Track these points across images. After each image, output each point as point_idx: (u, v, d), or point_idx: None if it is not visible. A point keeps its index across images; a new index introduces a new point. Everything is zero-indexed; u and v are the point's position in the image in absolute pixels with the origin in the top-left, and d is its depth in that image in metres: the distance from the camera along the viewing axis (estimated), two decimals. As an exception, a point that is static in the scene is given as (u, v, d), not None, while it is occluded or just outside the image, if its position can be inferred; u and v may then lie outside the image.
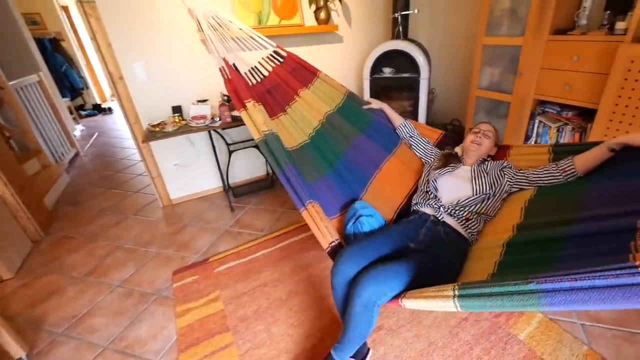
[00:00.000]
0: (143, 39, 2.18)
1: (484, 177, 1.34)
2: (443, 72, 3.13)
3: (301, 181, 1.36)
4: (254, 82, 1.71)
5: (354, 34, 2.88)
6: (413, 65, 2.53)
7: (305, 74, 1.76)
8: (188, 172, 2.66)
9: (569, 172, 1.19)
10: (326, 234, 1.24)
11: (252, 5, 2.34)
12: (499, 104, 2.25)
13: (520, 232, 1.11)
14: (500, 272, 0.99)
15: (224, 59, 1.59)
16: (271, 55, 1.75)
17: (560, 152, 1.32)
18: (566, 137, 2.01)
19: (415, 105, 2.64)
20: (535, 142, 2.19)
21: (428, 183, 1.43)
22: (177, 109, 2.33)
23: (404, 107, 2.86)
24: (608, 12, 1.70)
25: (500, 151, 1.53)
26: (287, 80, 1.73)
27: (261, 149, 1.40)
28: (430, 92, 3.00)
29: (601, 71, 1.71)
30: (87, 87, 6.28)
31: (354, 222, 1.35)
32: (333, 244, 1.24)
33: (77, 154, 4.01)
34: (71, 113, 5.13)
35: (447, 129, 3.06)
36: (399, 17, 2.50)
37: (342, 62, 2.93)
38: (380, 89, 2.80)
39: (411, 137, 1.69)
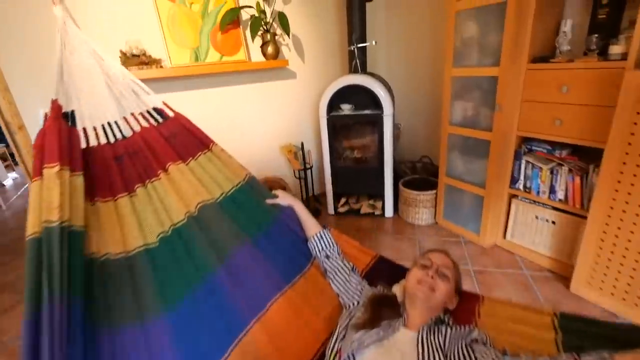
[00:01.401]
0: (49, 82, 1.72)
1: (438, 354, 0.77)
2: (408, 105, 2.86)
3: (89, 334, 0.77)
4: (99, 143, 1.19)
5: (308, 69, 2.56)
6: (374, 101, 2.20)
7: (191, 143, 1.28)
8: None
9: None
10: None
11: (187, 41, 1.97)
12: (477, 142, 1.91)
13: None
14: None
15: (53, 101, 1.11)
16: (148, 112, 1.31)
17: (574, 331, 0.83)
18: (562, 181, 1.66)
19: (380, 144, 2.27)
20: (525, 186, 1.83)
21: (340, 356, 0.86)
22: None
23: (367, 146, 2.50)
24: (596, 35, 1.42)
25: (465, 304, 0.98)
26: (155, 147, 1.22)
27: (27, 253, 0.74)
28: (396, 127, 2.68)
29: (599, 103, 1.40)
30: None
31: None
32: None
33: (-1, 207, 3.48)
34: (5, 160, 4.69)
35: (416, 166, 2.71)
36: (356, 49, 2.21)
37: (297, 99, 2.58)
38: (339, 128, 2.44)
39: (327, 257, 1.17)
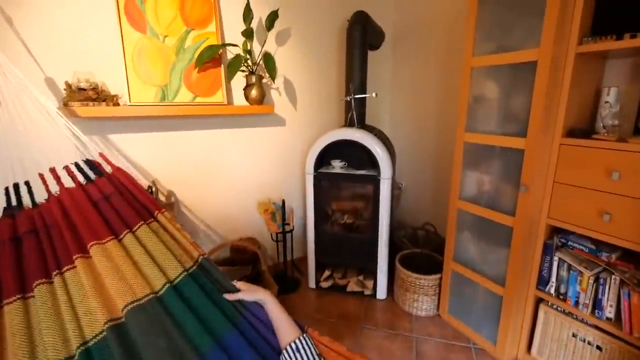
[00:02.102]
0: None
1: None
2: (412, 164, 2.51)
3: None
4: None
5: (300, 117, 2.27)
6: (371, 160, 1.85)
7: (129, 209, 0.97)
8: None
9: None
10: None
11: (154, 77, 1.70)
12: (494, 226, 1.50)
13: None
14: None
15: None
16: (77, 165, 1.03)
17: None
18: (613, 295, 1.22)
19: (375, 211, 1.88)
20: (557, 291, 1.39)
21: None
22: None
23: (360, 211, 2.11)
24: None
25: None
26: (77, 218, 0.91)
27: None
28: (397, 187, 2.31)
29: (669, 200, 1.01)
30: None
31: None
32: None
33: None
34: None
35: (417, 235, 2.30)
36: (353, 100, 1.91)
37: (283, 149, 2.26)
38: (328, 188, 2.08)
39: None
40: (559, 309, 1.41)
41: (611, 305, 1.24)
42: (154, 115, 1.74)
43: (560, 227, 1.33)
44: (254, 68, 1.89)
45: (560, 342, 1.43)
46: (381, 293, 2.02)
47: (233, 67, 1.75)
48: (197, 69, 1.78)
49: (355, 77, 1.92)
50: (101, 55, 1.59)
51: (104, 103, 1.53)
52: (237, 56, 1.78)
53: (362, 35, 1.88)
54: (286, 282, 2.11)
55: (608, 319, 1.25)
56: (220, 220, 2.10)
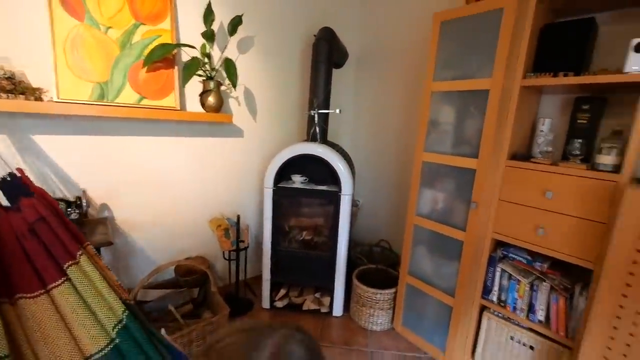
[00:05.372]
0: None
1: None
2: (369, 181, 2.60)
3: None
4: None
5: (260, 129, 2.19)
6: (332, 176, 1.87)
7: (47, 255, 0.77)
8: None
9: None
10: None
11: (90, 72, 1.47)
12: (447, 240, 1.62)
13: None
14: None
15: None
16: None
17: None
18: (544, 300, 1.40)
19: (334, 228, 1.88)
20: (499, 298, 1.55)
21: None
22: None
23: (319, 228, 2.09)
24: (579, 140, 1.29)
25: None
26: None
27: None
28: (354, 204, 2.36)
29: (588, 216, 1.22)
30: None
31: None
32: None
33: None
34: None
35: (373, 252, 2.36)
36: (316, 115, 1.92)
37: (241, 162, 2.14)
38: (287, 204, 2.02)
39: None
40: (500, 315, 1.57)
41: (542, 309, 1.42)
42: (89, 116, 1.49)
43: (503, 241, 1.50)
44: (213, 73, 1.77)
45: (500, 345, 1.58)
46: (338, 310, 2.00)
47: (190, 69, 1.61)
48: (145, 68, 1.59)
49: (320, 92, 1.93)
50: (23, 39, 1.32)
51: (22, 96, 1.26)
52: (195, 59, 1.64)
53: (329, 51, 1.92)
54: (238, 303, 1.96)
55: (540, 321, 1.43)
56: (165, 238, 1.87)
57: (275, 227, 1.92)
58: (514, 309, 1.50)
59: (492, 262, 1.55)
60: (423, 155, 1.66)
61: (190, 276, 1.79)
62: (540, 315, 1.43)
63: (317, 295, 2.05)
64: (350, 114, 2.67)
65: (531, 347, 1.48)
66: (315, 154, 1.84)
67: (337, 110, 1.94)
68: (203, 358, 0.45)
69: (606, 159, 1.19)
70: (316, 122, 1.93)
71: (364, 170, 2.58)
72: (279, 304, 2.01)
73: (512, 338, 1.54)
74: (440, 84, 1.55)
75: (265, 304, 2.02)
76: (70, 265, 0.77)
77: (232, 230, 1.90)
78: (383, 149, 2.49)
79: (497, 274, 1.54)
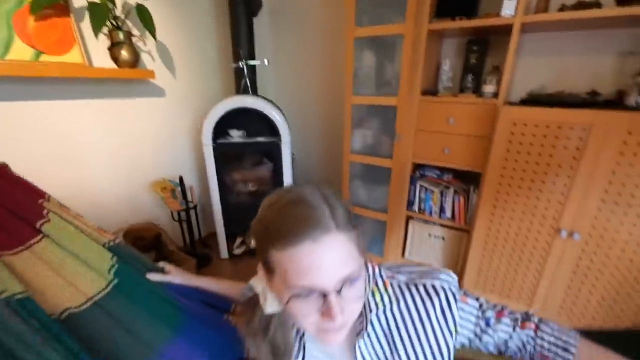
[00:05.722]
0: None
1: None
2: (299, 133, 2.70)
3: None
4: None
5: (182, 86, 2.05)
6: (270, 127, 1.94)
7: (15, 217, 0.73)
8: None
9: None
10: None
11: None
12: (376, 170, 1.93)
13: None
14: None
15: None
16: None
17: None
18: (450, 201, 1.85)
19: (279, 175, 2.03)
20: (419, 207, 1.96)
21: None
22: None
23: (263, 178, 2.20)
24: (471, 75, 1.63)
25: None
26: None
27: None
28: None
29: (479, 134, 1.61)
30: None
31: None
32: None
33: None
34: None
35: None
36: (245, 67, 1.89)
37: (167, 122, 2.01)
38: (229, 159, 2.05)
39: None
40: (420, 220, 2.01)
41: (449, 209, 1.88)
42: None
43: (420, 163, 1.87)
44: (120, 23, 1.56)
45: (422, 242, 2.05)
46: (291, 246, 2.24)
47: (99, 17, 1.40)
48: (33, 17, 1.33)
49: (243, 42, 1.89)
50: None
51: None
52: (100, 5, 1.42)
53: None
54: (197, 258, 2.01)
55: (448, 218, 1.90)
56: (97, 210, 1.74)
57: (220, 182, 1.96)
58: (430, 213, 1.93)
59: (413, 181, 1.93)
60: (352, 99, 1.85)
61: (141, 242, 1.76)
62: (448, 213, 1.89)
63: (271, 237, 2.24)
64: (271, 66, 2.63)
65: (443, 238, 1.97)
66: (251, 106, 1.86)
67: (265, 61, 1.95)
68: (258, 233, 0.49)
69: (489, 88, 1.56)
70: (245, 73, 1.91)
71: (292, 122, 2.65)
72: (238, 252, 2.14)
73: (429, 235, 2.01)
74: (363, 29, 1.70)
75: (224, 254, 2.12)
76: (43, 224, 0.75)
77: (178, 191, 1.87)
78: (310, 99, 2.56)
79: (417, 190, 1.93)
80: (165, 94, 1.96)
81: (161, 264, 0.91)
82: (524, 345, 0.53)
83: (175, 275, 0.88)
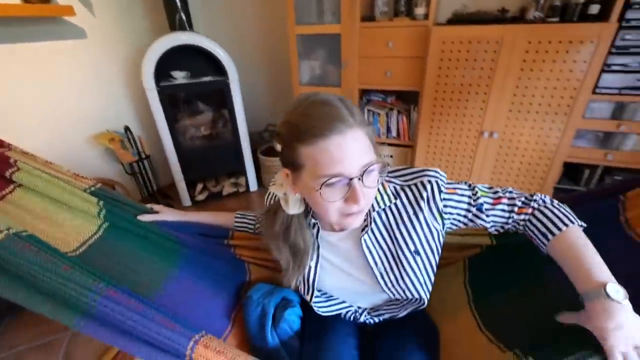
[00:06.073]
0: None
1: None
2: (241, 72, 2.61)
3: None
4: None
5: (103, 25, 1.82)
6: (215, 66, 1.88)
7: None
8: None
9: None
10: None
11: None
12: (327, 100, 2.03)
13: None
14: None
15: None
16: None
17: None
18: (394, 121, 2.06)
19: (231, 115, 2.02)
20: (368, 132, 2.15)
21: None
22: None
23: (216, 120, 2.17)
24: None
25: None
26: None
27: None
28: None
29: (415, 55, 1.77)
30: None
31: (273, 327, 0.78)
32: None
33: None
34: None
35: (264, 137, 2.65)
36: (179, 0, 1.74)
37: (92, 67, 1.81)
38: (176, 103, 1.97)
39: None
40: (370, 144, 2.22)
41: (394, 128, 2.10)
42: None
43: (366, 88, 2.01)
44: (15, -56, 1.31)
45: (373, 164, 2.29)
46: (253, 186, 2.33)
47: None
48: None
49: (170, -31, 1.71)
50: None
51: None
52: None
53: None
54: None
55: (394, 137, 2.13)
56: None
57: (171, 129, 1.90)
58: (379, 134, 2.14)
59: (361, 106, 2.08)
60: (296, 29, 1.86)
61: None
62: (394, 132, 2.11)
63: (233, 180, 2.29)
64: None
65: (391, 156, 2.22)
66: (194, 42, 1.77)
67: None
68: (285, 135, 0.55)
69: (420, 10, 1.70)
70: (179, 7, 1.77)
71: (234, 60, 2.55)
72: (200, 197, 2.18)
73: (380, 155, 2.23)
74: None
75: (186, 202, 2.14)
76: (13, 173, 0.72)
77: (126, 143, 1.78)
78: (247, 33, 2.43)
79: (366, 114, 2.10)
80: (87, 35, 1.74)
81: (149, 205, 0.89)
82: (517, 226, 0.66)
83: (166, 214, 0.88)
